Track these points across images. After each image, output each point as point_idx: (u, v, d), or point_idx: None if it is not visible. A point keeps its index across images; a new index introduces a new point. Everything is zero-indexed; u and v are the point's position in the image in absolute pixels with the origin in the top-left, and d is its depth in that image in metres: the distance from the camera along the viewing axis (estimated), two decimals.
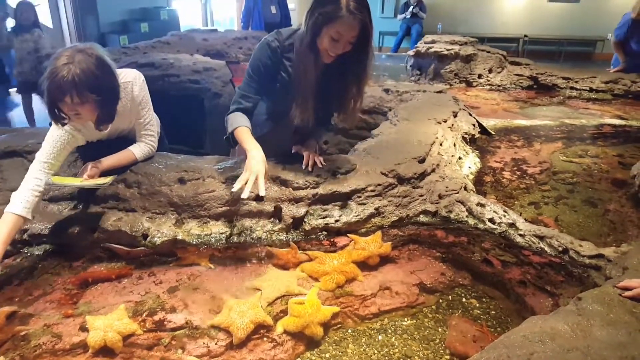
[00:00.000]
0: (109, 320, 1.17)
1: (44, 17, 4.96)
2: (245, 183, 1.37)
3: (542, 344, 0.84)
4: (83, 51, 1.39)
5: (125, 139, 1.68)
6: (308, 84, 1.51)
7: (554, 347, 0.83)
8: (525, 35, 8.75)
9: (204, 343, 1.14)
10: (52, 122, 1.48)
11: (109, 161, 1.58)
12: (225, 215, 1.56)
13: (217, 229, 1.54)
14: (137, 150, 1.64)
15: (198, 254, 1.49)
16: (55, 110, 1.40)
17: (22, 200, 1.40)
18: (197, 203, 1.54)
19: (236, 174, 1.60)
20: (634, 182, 1.88)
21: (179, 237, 1.52)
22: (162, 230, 1.52)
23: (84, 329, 1.18)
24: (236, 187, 1.38)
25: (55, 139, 1.50)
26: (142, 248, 1.50)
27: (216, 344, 1.14)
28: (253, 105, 1.61)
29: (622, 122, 2.90)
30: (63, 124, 1.46)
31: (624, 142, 2.57)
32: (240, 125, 1.52)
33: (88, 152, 1.65)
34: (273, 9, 4.77)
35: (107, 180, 1.52)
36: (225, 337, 1.16)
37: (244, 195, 1.36)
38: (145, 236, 1.52)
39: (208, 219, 1.56)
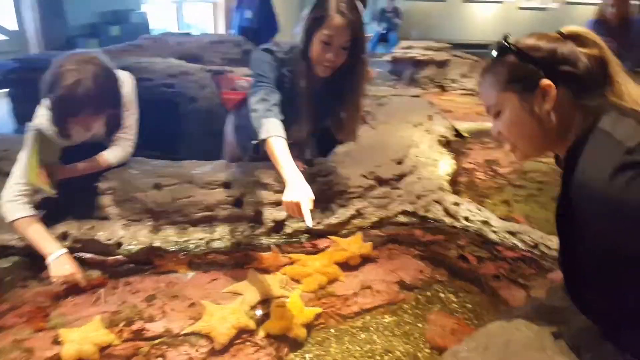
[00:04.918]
0: (84, 332, 1.13)
1: (8, 18, 4.73)
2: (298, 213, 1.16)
3: (517, 331, 0.87)
4: (89, 62, 1.33)
5: (102, 143, 1.63)
6: (304, 100, 1.45)
7: (529, 335, 0.86)
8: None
9: (184, 351, 1.12)
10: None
11: (81, 166, 1.53)
12: (204, 221, 1.54)
13: (196, 235, 1.52)
14: (111, 155, 1.58)
15: (176, 261, 1.46)
16: (65, 125, 1.36)
17: (19, 204, 1.36)
18: (174, 209, 1.52)
19: (216, 178, 1.58)
20: None
21: (156, 245, 1.48)
22: (138, 237, 1.48)
23: (57, 342, 1.13)
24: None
25: None
26: (118, 257, 1.46)
27: (197, 351, 1.12)
28: (278, 99, 1.37)
29: None
30: (70, 138, 1.44)
31: None
32: (276, 141, 1.26)
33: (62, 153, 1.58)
34: (248, 13, 4.60)
35: (51, 192, 1.42)
36: (206, 343, 1.14)
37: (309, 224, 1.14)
38: (119, 244, 1.47)
39: (187, 225, 1.53)
